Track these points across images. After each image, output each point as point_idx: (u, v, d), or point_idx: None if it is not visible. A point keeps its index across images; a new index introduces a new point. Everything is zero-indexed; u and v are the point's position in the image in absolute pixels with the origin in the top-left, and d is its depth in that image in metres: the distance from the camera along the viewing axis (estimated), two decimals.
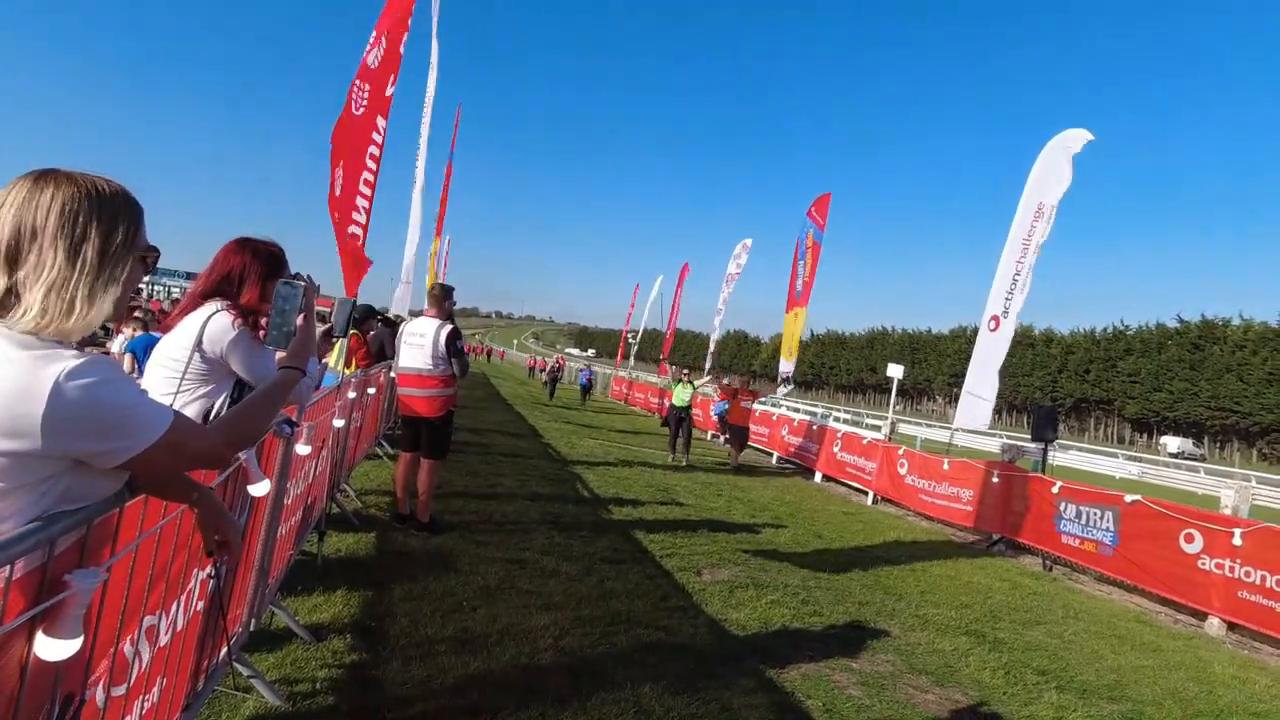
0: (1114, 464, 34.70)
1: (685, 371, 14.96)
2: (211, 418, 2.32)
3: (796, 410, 25.63)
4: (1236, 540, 6.51)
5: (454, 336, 5.67)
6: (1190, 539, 6.93)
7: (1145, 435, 70.19)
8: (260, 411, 1.55)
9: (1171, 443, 62.33)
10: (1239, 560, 6.48)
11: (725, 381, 16.01)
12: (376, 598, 4.15)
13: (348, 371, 6.75)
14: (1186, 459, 49.88)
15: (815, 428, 15.06)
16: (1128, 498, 7.70)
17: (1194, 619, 6.89)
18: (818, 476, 13.89)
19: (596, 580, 5.15)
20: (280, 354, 1.80)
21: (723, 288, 22.26)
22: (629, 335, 34.74)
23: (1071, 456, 33.61)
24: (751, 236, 21.95)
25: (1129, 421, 72.23)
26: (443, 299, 5.86)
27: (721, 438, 19.15)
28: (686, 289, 27.52)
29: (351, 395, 5.47)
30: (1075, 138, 9.99)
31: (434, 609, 4.11)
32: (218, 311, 2.31)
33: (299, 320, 1.77)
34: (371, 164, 6.12)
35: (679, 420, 13.16)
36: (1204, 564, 6.77)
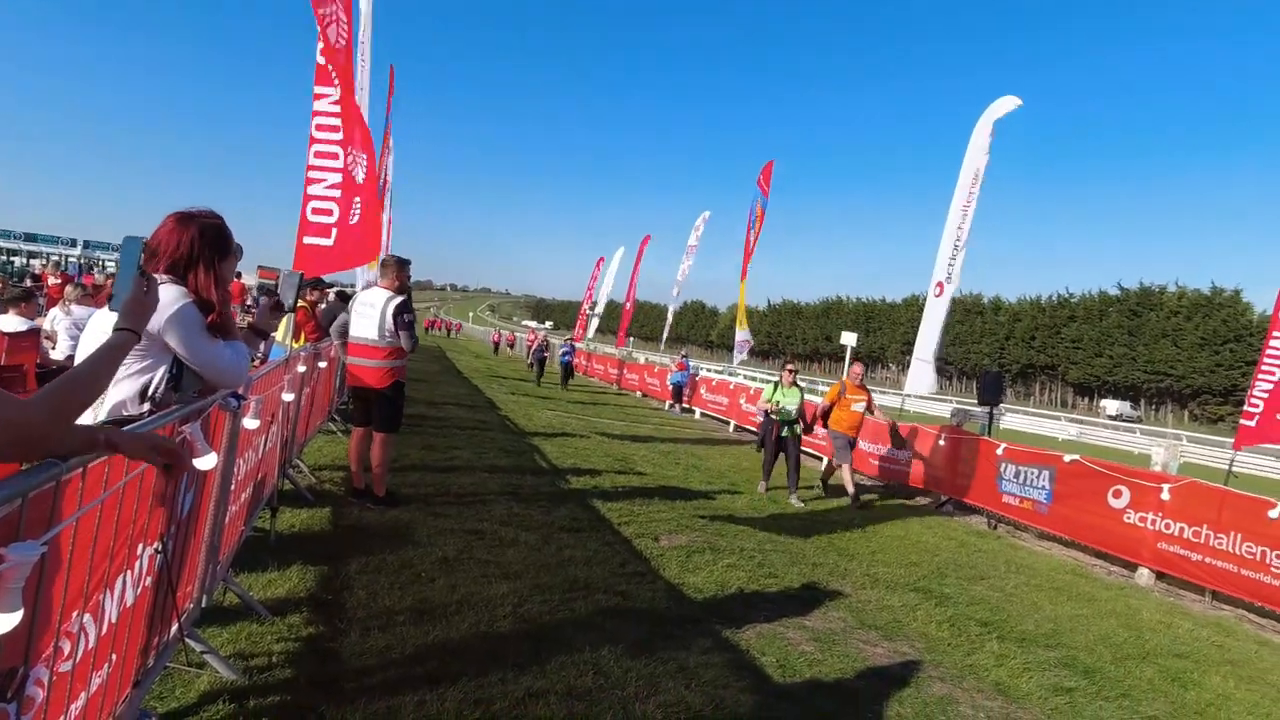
0: (1057, 426, 36.06)
1: (791, 368, 9.58)
2: (150, 394, 2.26)
3: (754, 379, 25.98)
4: (1164, 495, 6.86)
5: (402, 309, 5.57)
6: (1118, 494, 7.27)
7: (1086, 399, 72.98)
8: (86, 379, 1.49)
9: (1110, 405, 65.04)
10: (1165, 514, 6.84)
11: (853, 382, 9.77)
12: (333, 572, 4.13)
13: (296, 345, 6.60)
14: (1124, 420, 52.14)
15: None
16: (1066, 458, 8.03)
17: (1126, 570, 7.27)
18: None
19: (555, 549, 5.20)
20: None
21: (682, 259, 22.29)
22: (589, 308, 34.59)
23: (1018, 420, 34.78)
24: (709, 207, 22.01)
25: (1071, 386, 74.94)
26: (397, 271, 5.75)
27: (677, 407, 19.34)
28: (644, 261, 27.50)
29: (301, 369, 5.36)
30: (1003, 104, 10.19)
31: (392, 581, 4.11)
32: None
33: (134, 279, 1.69)
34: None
35: (781, 439, 9.10)
36: (1129, 518, 7.13)
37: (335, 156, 6.64)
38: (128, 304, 1.68)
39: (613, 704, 3.08)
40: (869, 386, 10.48)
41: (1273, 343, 6.66)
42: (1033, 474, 8.29)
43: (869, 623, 4.70)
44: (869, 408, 9.54)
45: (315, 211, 7.00)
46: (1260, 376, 6.77)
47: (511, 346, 45.77)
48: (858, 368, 10.10)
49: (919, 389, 11.09)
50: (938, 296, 10.73)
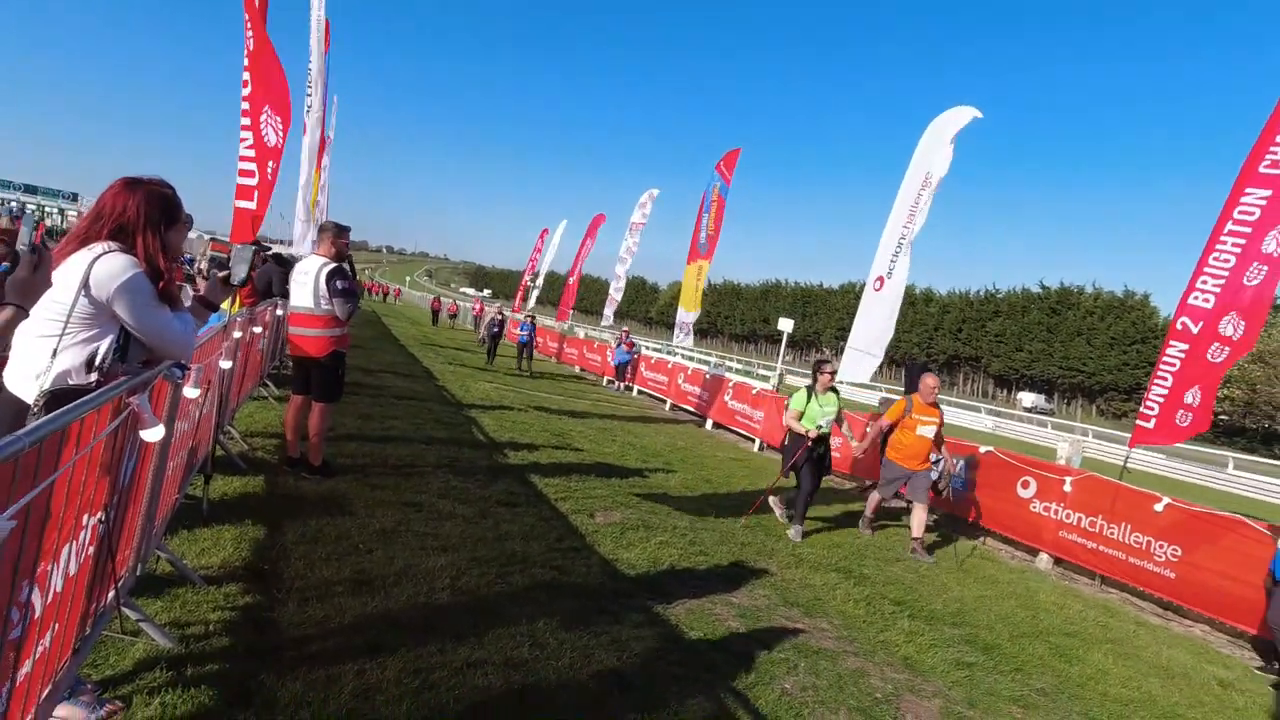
0: (975, 417, 37.85)
1: (829, 367, 7.24)
2: (96, 363, 2.24)
3: (691, 359, 26.36)
4: (1066, 487, 7.39)
5: (334, 275, 5.44)
6: (1026, 485, 7.80)
7: (1005, 390, 76.56)
8: None
9: (1026, 398, 68.45)
10: (1065, 505, 7.37)
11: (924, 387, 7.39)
12: (269, 541, 4.11)
13: (233, 310, 6.43)
14: (1038, 413, 55.03)
15: (709, 377, 15.59)
16: (982, 449, 8.53)
17: (1028, 555, 7.81)
18: (709, 424, 14.46)
19: (492, 523, 5.28)
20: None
21: (626, 236, 22.30)
22: (530, 279, 34.29)
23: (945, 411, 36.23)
24: (653, 185, 22.03)
25: (992, 378, 78.48)
26: (335, 237, 5.62)
27: (619, 385, 19.50)
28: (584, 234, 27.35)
29: (237, 335, 5.25)
30: (962, 114, 10.57)
31: (329, 551, 4.13)
32: (108, 253, 2.21)
33: (25, 255, 1.67)
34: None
35: (811, 458, 6.94)
36: (1035, 507, 7.66)
37: (248, 114, 6.45)
38: (16, 280, 1.66)
39: (549, 674, 3.22)
40: (789, 368, 10.57)
41: (1169, 351, 7.20)
42: (951, 462, 8.76)
43: (792, 600, 4.97)
44: (939, 436, 7.26)
45: (241, 174, 6.82)
46: (1156, 381, 7.32)
47: (454, 317, 42.69)
48: (931, 379, 7.25)
49: (854, 378, 11.52)
50: (877, 291, 11.11)
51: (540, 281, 33.65)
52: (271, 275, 8.18)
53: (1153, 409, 7.43)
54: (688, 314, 16.16)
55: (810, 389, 7.12)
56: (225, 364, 4.60)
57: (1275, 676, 5.31)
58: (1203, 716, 4.36)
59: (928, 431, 7.18)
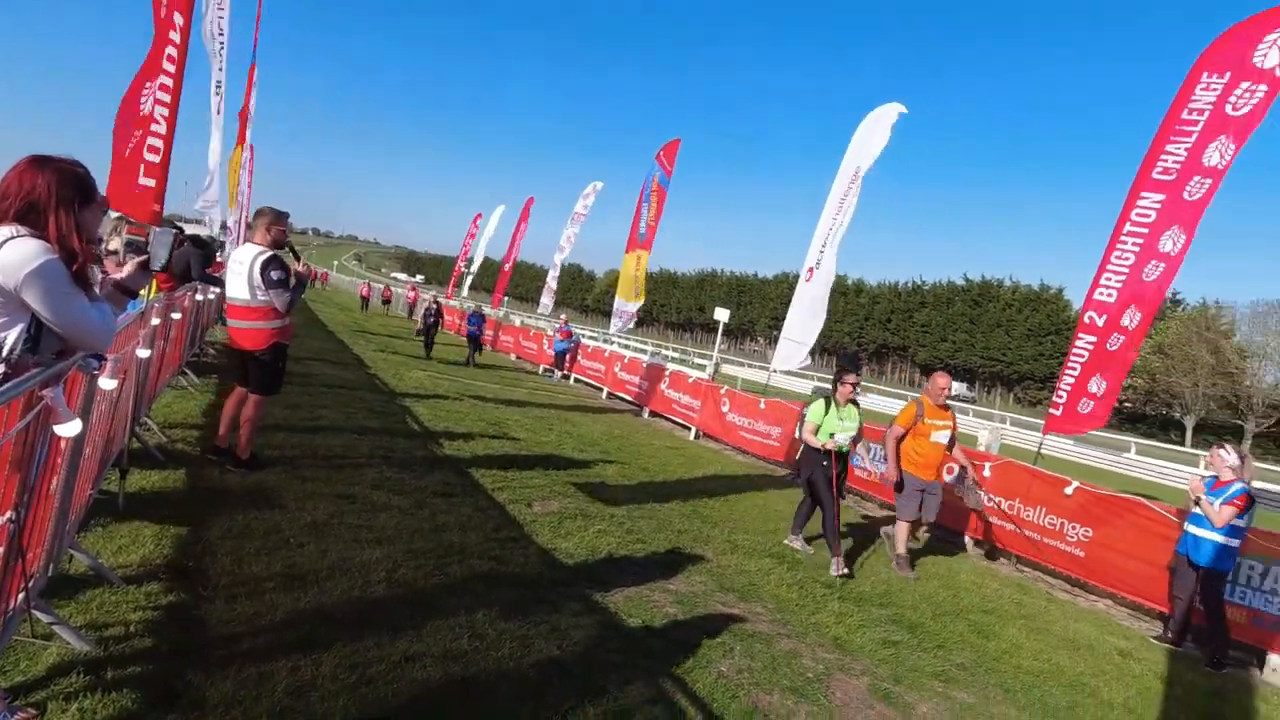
0: (902, 405, 39.22)
1: (851, 378, 6.53)
2: (4, 355, 2.11)
3: (628, 347, 26.44)
4: (986, 472, 7.77)
5: (269, 265, 5.21)
6: (950, 471, 8.15)
7: (850, 367, 79.51)
8: None
9: (951, 386, 71.46)
10: (986, 489, 7.75)
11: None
12: (193, 537, 3.95)
13: (150, 296, 6.11)
14: (961, 401, 57.46)
15: (646, 366, 15.69)
16: None
17: (952, 537, 8.18)
18: (646, 413, 14.56)
19: (429, 514, 5.21)
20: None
21: (567, 226, 22.14)
22: (464, 265, 33.67)
23: (876, 399, 37.42)
24: (592, 171, 21.99)
25: (919, 366, 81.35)
26: (271, 223, 5.37)
27: (557, 374, 19.40)
28: (522, 221, 26.98)
29: (155, 322, 5.00)
30: (891, 110, 10.90)
31: (258, 546, 4.00)
32: (17, 236, 2.07)
33: None
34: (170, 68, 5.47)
35: (828, 476, 6.25)
36: (958, 491, 8.03)
37: (140, 88, 6.03)
38: None
39: (488, 664, 3.22)
40: (724, 357, 10.68)
41: (1078, 343, 7.64)
42: (880, 450, 9.09)
43: (728, 586, 5.09)
44: (953, 441, 6.71)
45: (150, 150, 6.41)
46: (1066, 372, 7.76)
47: (387, 303, 40.95)
48: (942, 379, 6.74)
49: (787, 365, 11.80)
50: (807, 281, 11.40)
51: (475, 267, 33.08)
52: (189, 258, 7.81)
53: (1063, 398, 7.88)
54: (626, 303, 16.19)
55: (829, 399, 6.43)
56: (143, 352, 4.39)
57: (1169, 644, 5.73)
58: (1105, 684, 4.67)
59: (942, 437, 6.58)
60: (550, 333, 21.07)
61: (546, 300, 23.05)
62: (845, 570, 5.83)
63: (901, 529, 6.61)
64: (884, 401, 38.48)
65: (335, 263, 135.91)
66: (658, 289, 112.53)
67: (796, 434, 6.34)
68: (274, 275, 5.22)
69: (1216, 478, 5.65)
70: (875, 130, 11.01)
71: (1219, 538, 5.41)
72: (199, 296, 8.25)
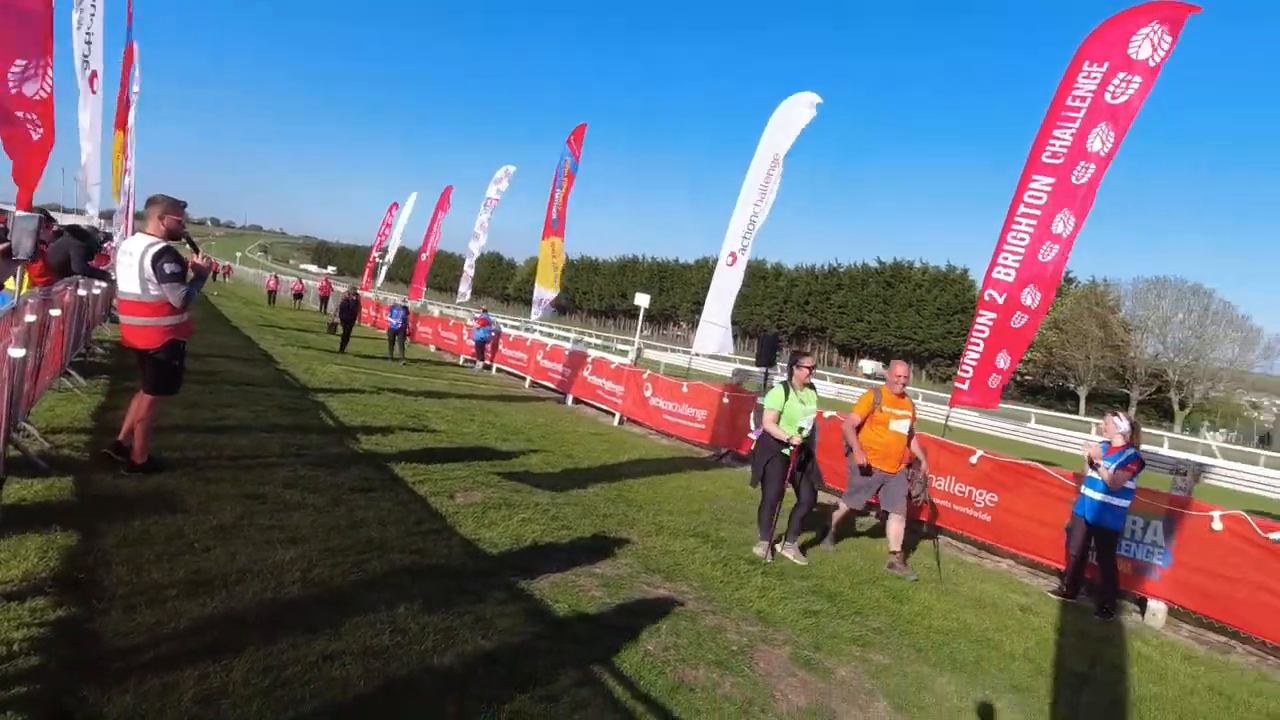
0: (820, 385, 40.54)
1: (808, 360, 6.20)
2: None
3: (550, 335, 26.25)
4: None
5: (162, 257, 4.87)
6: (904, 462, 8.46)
7: (848, 359, 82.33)
8: None
9: (867, 365, 74.15)
10: None
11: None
12: (84, 547, 3.70)
13: (23, 291, 5.64)
14: (877, 379, 59.82)
15: (569, 353, 15.62)
16: (826, 414, 9.15)
17: (869, 509, 8.49)
18: (570, 400, 14.51)
19: (346, 510, 5.05)
20: None
21: (481, 212, 21.70)
22: (379, 255, 32.57)
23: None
24: (509, 158, 21.59)
25: (837, 347, 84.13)
26: (165, 212, 5.03)
27: (479, 364, 19.09)
28: (439, 210, 26.29)
29: (30, 319, 4.62)
30: (807, 99, 11.15)
31: (159, 553, 3.78)
32: None
33: None
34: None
35: (784, 465, 5.94)
36: (751, 424, 8.33)
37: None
38: None
39: (411, 659, 3.15)
40: (647, 342, 10.80)
41: (979, 320, 8.05)
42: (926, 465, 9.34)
43: (653, 567, 5.14)
44: (912, 432, 6.51)
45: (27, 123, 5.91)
46: (969, 348, 8.17)
47: (298, 297, 38.88)
48: (901, 367, 6.57)
49: (708, 349, 11.97)
50: (730, 266, 11.57)
51: (390, 257, 32.07)
52: (69, 250, 7.26)
53: (968, 372, 8.28)
54: (545, 291, 16.05)
55: (787, 385, 6.07)
56: (16, 352, 4.05)
57: (1065, 598, 6.15)
58: (1008, 637, 4.97)
59: (901, 426, 6.36)
60: (470, 322, 20.68)
61: (465, 289, 22.58)
62: (800, 555, 5.90)
63: (841, 510, 6.69)
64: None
65: (239, 254, 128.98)
66: (580, 276, 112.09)
67: (753, 426, 6.02)
68: (168, 268, 4.89)
69: (1110, 443, 6.07)
70: (792, 117, 11.24)
71: (1112, 499, 5.83)
72: (82, 291, 7.68)
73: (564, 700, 3.06)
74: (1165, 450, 21.21)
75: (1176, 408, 53.72)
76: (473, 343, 19.26)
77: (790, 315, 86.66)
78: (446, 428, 9.14)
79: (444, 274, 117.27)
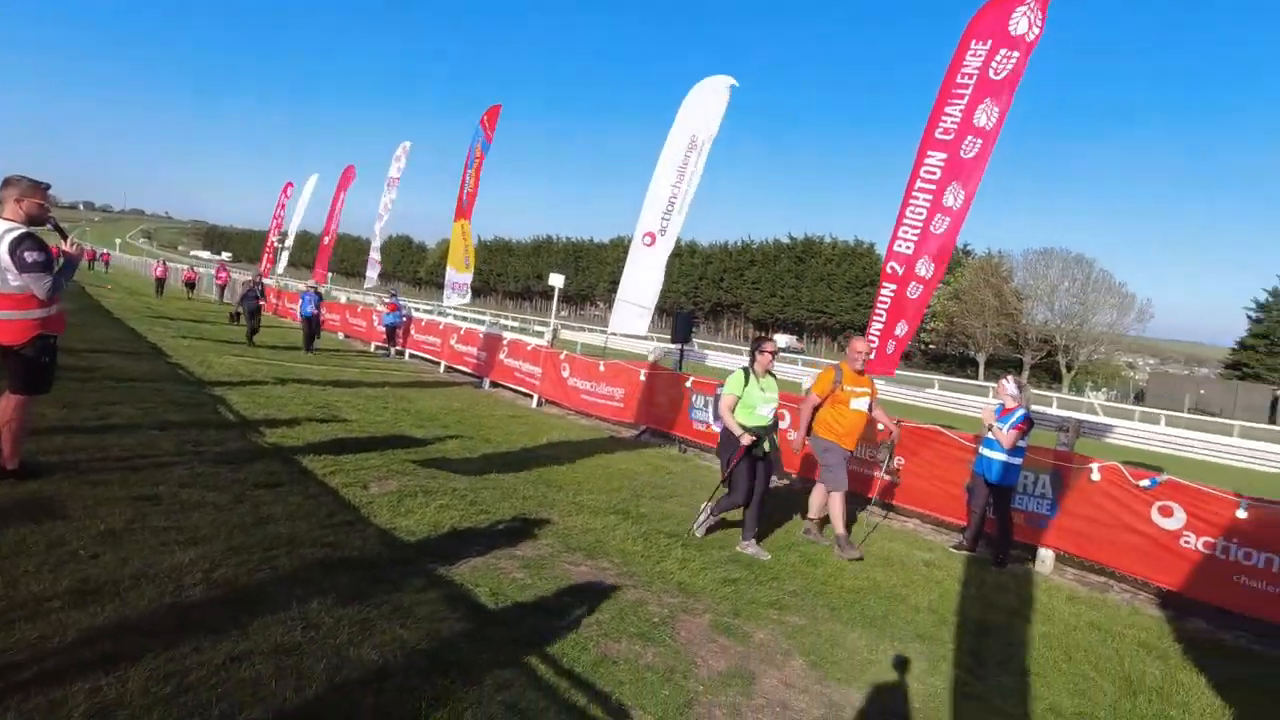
0: (737, 359, 41.37)
1: (770, 345, 5.96)
2: None
3: (465, 319, 25.73)
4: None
5: (21, 245, 4.45)
6: (782, 417, 8.73)
7: (763, 333, 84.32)
8: None
9: (781, 339, 76.13)
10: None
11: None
12: None
13: None
14: (790, 352, 61.58)
15: (484, 336, 15.36)
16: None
17: (785, 478, 8.78)
18: (486, 384, 14.30)
19: (250, 507, 4.83)
20: None
21: (384, 192, 20.93)
22: (277, 239, 30.96)
23: (721, 357, 39.02)
24: (411, 139, 20.85)
25: (752, 322, 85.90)
26: (19, 197, 4.59)
27: (389, 349, 18.51)
28: (340, 190, 25.18)
29: None
30: (723, 83, 11.22)
31: (39, 563, 3.51)
32: None
33: None
34: None
35: (756, 461, 5.70)
36: (791, 436, 8.62)
37: None
38: None
39: (325, 653, 3.06)
40: (564, 323, 10.75)
41: (882, 292, 8.38)
42: (714, 402, 9.55)
43: (574, 545, 5.16)
44: (872, 407, 6.40)
45: None
46: (874, 319, 8.50)
47: (191, 286, 35.42)
48: (859, 343, 6.38)
49: (626, 329, 12.00)
50: (648, 245, 11.59)
51: (290, 242, 30.56)
52: None
53: (873, 342, 8.62)
54: (458, 274, 15.67)
55: (748, 370, 5.81)
56: None
57: (966, 551, 6.54)
58: (913, 592, 5.26)
59: (862, 404, 6.24)
60: (379, 308, 20.00)
61: (372, 274, 21.79)
62: (760, 551, 5.53)
63: (837, 501, 6.09)
64: (720, 358, 40.37)
65: (119, 241, 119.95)
66: (494, 258, 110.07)
67: (710, 418, 5.94)
68: (29, 257, 4.49)
69: (1003, 406, 6.46)
70: (707, 100, 11.28)
71: (1007, 457, 6.22)
72: None
73: (487, 682, 3.04)
74: (1053, 410, 22.77)
75: (1064, 370, 57.64)
76: (382, 328, 18.64)
77: (706, 292, 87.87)
78: (358, 417, 8.84)
79: (350, 259, 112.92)
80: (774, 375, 5.97)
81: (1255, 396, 46.65)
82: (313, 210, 29.20)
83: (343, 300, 25.54)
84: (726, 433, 5.73)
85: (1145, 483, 5.91)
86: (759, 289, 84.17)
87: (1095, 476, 6.20)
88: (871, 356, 6.23)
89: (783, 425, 5.64)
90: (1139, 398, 52.42)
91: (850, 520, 6.29)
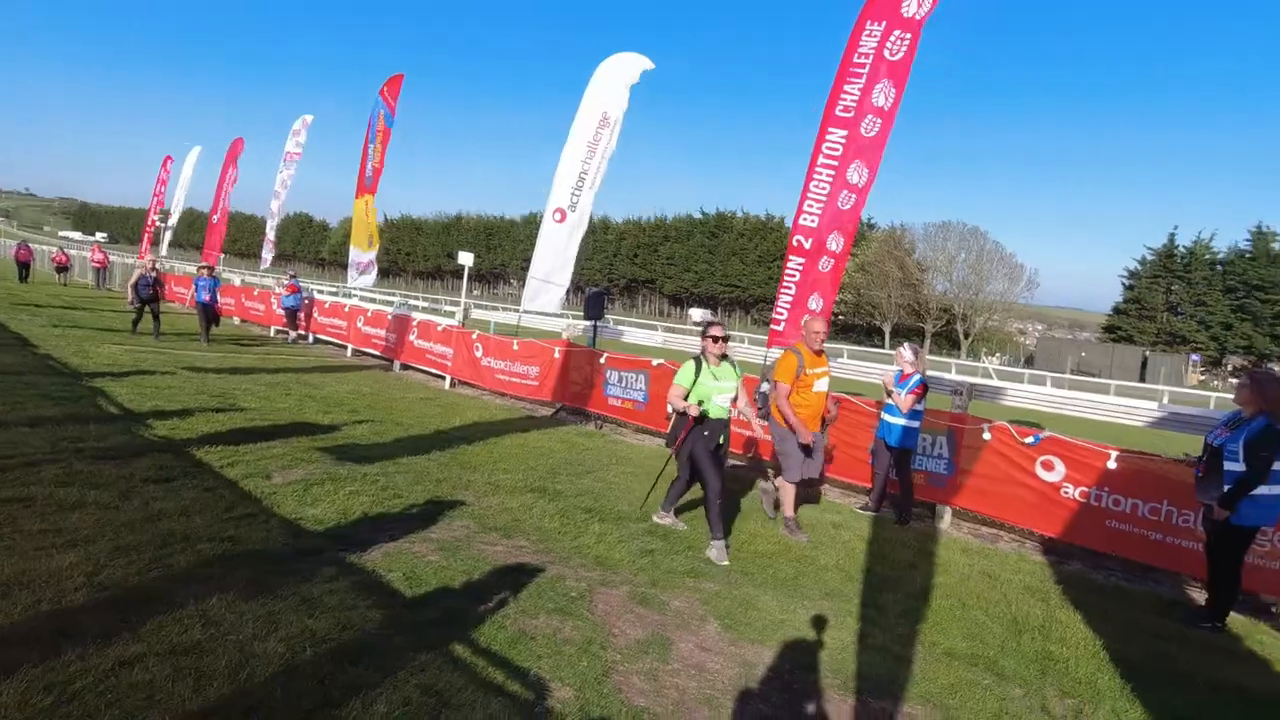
0: (650, 334, 41.69)
1: (717, 332, 5.52)
2: None
3: (373, 300, 24.81)
4: None
5: None
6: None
7: (679, 308, 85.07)
8: None
9: (696, 314, 76.82)
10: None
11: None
12: None
13: None
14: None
15: (392, 317, 14.87)
16: (654, 362, 9.46)
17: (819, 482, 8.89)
18: (397, 366, 13.88)
19: (140, 504, 4.56)
20: None
21: (281, 168, 19.83)
22: (158, 217, 28.84)
23: (640, 335, 39.01)
24: (311, 110, 19.78)
25: (667, 297, 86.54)
26: None
27: (292, 334, 17.65)
28: (231, 166, 23.65)
29: None
30: (635, 61, 11.12)
31: None
32: None
33: None
34: None
35: (710, 447, 5.38)
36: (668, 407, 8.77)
37: None
38: None
39: (227, 650, 2.93)
40: (477, 302, 10.49)
41: (790, 265, 8.61)
42: (631, 378, 9.60)
43: (491, 525, 5.12)
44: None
45: None
46: (782, 292, 8.72)
47: (63, 270, 32.12)
48: (817, 323, 6.19)
49: (539, 307, 11.88)
50: (559, 222, 11.45)
51: (173, 221, 28.54)
52: None
53: (783, 314, 8.86)
54: (362, 253, 15.09)
55: (700, 361, 5.45)
56: None
57: (871, 512, 6.86)
58: (822, 552, 5.48)
59: (823, 385, 6.15)
60: (277, 290, 19.01)
61: (267, 254, 20.69)
62: (727, 559, 5.09)
63: (789, 492, 5.97)
64: (635, 334, 40.57)
65: None
66: (401, 237, 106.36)
67: (669, 409, 5.47)
68: None
69: (901, 372, 6.77)
70: (617, 76, 11.17)
71: (906, 421, 6.54)
72: None
73: (402, 667, 3.00)
74: (951, 375, 24.07)
75: (962, 337, 60.94)
76: (282, 312, 17.74)
77: (620, 268, 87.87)
78: (258, 405, 8.42)
79: (244, 239, 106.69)
80: (732, 362, 5.61)
81: (1128, 357, 50.71)
82: (198, 187, 27.39)
83: (237, 283, 24.14)
84: (678, 423, 5.42)
85: (1030, 440, 6.35)
86: (673, 265, 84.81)
87: (986, 436, 6.61)
88: (698, 319, 6.06)
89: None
90: (1029, 361, 56.06)
91: (799, 504, 6.21)
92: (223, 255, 25.10)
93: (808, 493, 6.22)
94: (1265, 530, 4.97)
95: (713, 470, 5.27)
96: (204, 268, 16.02)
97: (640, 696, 3.12)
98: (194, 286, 15.51)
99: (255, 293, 21.05)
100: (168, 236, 28.60)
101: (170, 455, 5.81)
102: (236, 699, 2.65)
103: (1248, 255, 51.24)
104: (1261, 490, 4.53)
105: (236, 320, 20.83)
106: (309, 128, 19.46)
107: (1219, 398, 27.50)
